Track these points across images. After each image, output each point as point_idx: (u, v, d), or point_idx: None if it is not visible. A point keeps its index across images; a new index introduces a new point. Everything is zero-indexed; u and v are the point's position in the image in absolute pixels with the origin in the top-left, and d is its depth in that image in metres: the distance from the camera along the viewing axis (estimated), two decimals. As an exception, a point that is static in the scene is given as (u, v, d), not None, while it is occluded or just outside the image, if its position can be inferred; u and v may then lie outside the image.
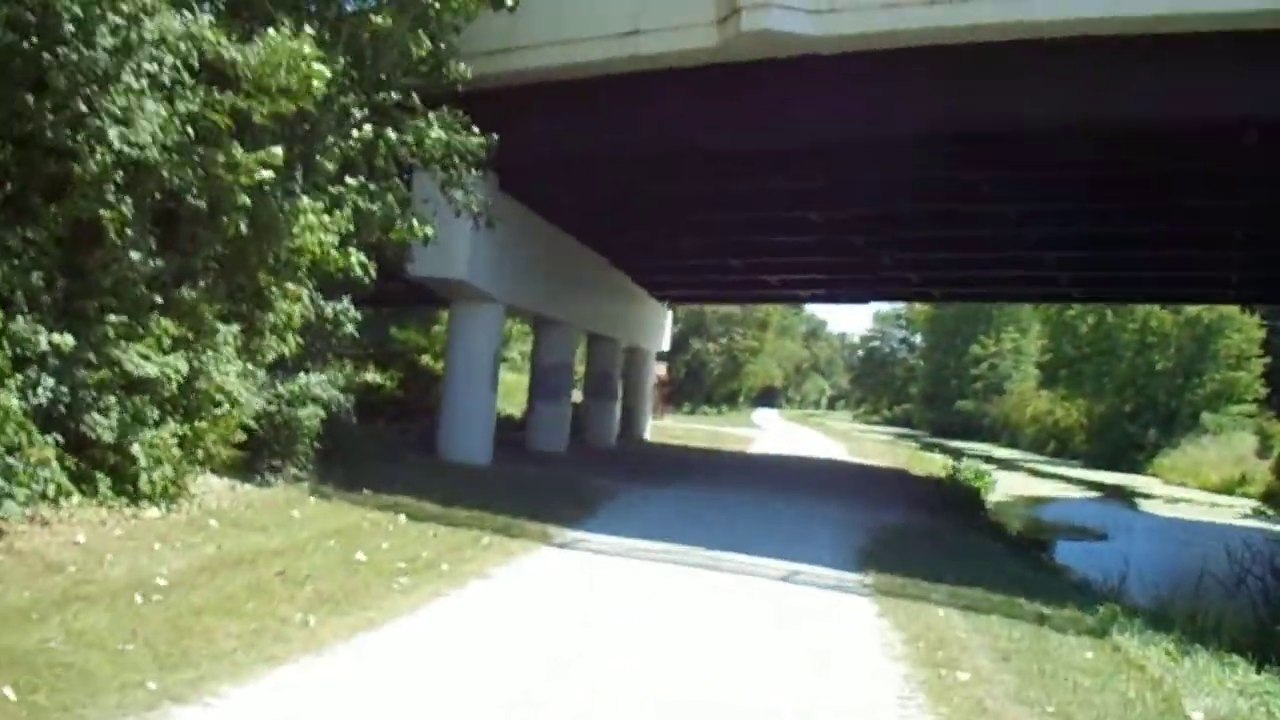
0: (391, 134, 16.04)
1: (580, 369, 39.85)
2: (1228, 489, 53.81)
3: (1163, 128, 17.64)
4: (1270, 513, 45.73)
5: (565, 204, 26.69)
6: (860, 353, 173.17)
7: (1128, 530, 35.12)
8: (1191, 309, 69.16)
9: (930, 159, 20.01)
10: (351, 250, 15.48)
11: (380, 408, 34.62)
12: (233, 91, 12.76)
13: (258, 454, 15.60)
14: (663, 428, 52.13)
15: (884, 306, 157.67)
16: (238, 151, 12.62)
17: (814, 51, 17.00)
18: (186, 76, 12.10)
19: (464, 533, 13.91)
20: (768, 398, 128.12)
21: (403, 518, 14.44)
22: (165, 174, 11.87)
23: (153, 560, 10.19)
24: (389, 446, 21.33)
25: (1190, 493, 53.57)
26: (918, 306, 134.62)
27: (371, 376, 43.01)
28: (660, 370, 58.16)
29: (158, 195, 12.30)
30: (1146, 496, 50.91)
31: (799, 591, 12.66)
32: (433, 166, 17.21)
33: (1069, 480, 57.56)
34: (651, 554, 14.23)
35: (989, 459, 56.86)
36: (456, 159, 17.14)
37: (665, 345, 45.98)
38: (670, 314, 46.09)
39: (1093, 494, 51.11)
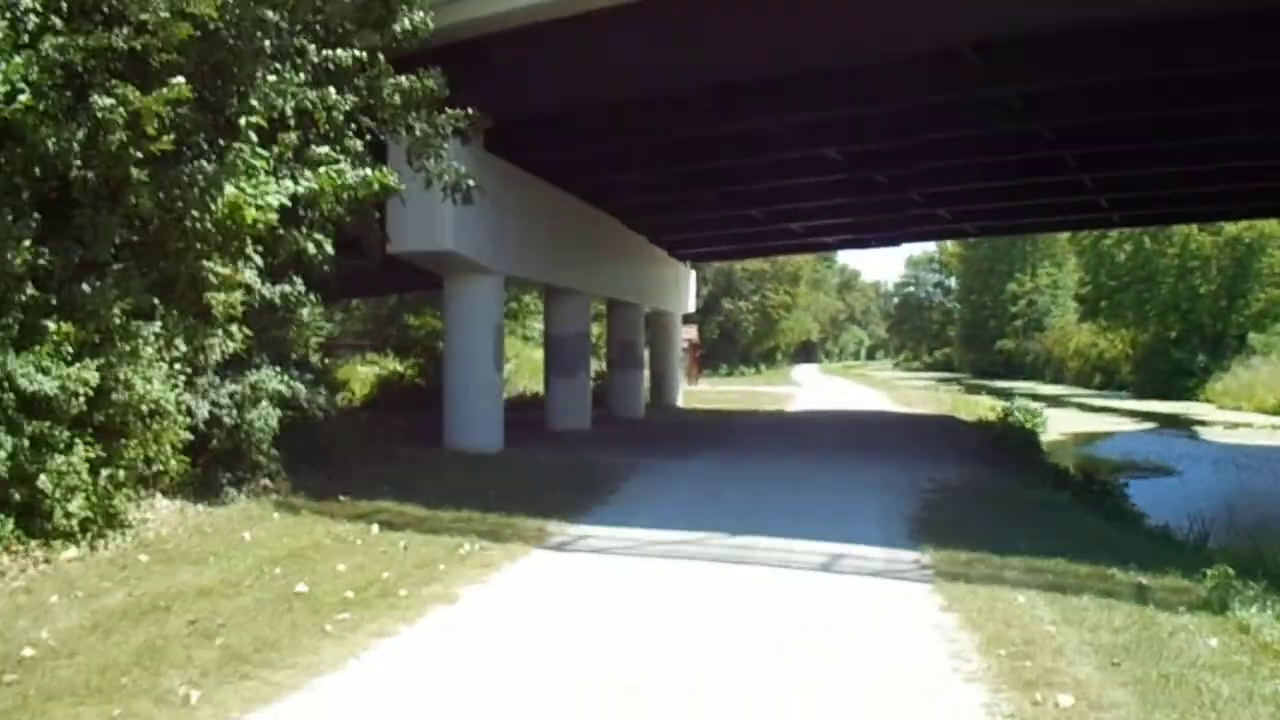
0: (333, 92, 13.88)
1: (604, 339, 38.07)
2: None
3: (1207, 16, 15.65)
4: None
5: (564, 162, 24.59)
6: (895, 300, 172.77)
7: (1194, 462, 33.24)
8: (1231, 228, 67.40)
9: (951, 77, 17.94)
10: (303, 227, 13.57)
11: (403, 397, 33.19)
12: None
13: (211, 468, 13.61)
14: (697, 393, 50.34)
15: (916, 250, 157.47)
16: (131, 93, 10.58)
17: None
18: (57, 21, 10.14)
19: (442, 541, 11.77)
20: (806, 353, 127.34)
21: (375, 528, 12.39)
22: (40, 138, 9.89)
23: (35, 620, 8.25)
24: (388, 441, 19.40)
25: (1248, 416, 51.92)
26: (950, 248, 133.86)
27: (392, 366, 41.86)
28: (690, 333, 56.57)
29: (37, 171, 10.30)
30: (1203, 424, 49.17)
31: (842, 584, 10.33)
32: (396, 128, 15.10)
33: (1120, 413, 56.02)
34: (664, 547, 11.99)
35: (1035, 396, 55.33)
36: (422, 118, 15.06)
37: (691, 306, 43.69)
38: (693, 274, 43.76)
39: (1148, 425, 49.33)
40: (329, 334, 55.83)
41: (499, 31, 18.01)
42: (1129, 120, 21.79)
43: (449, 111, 15.14)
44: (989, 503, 15.59)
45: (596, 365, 38.49)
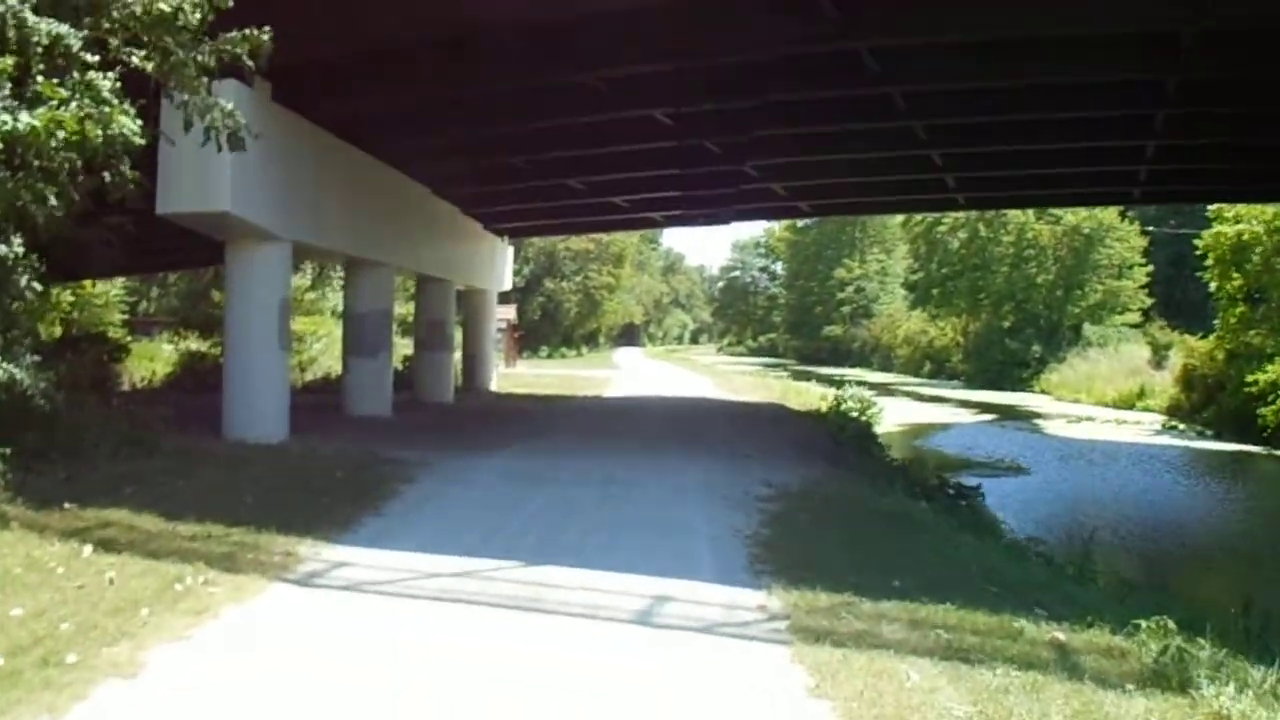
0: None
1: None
2: (1126, 403, 52.21)
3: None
4: (1182, 427, 43.41)
5: (363, 119, 22.05)
6: (720, 284, 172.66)
7: (1043, 459, 32.25)
8: (1070, 218, 67.96)
9: (803, 26, 16.03)
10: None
11: (204, 377, 30.68)
12: None
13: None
14: (513, 375, 48.32)
15: (743, 235, 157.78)
16: None
17: None
18: None
19: (163, 570, 9.12)
20: (628, 336, 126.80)
21: (89, 549, 9.62)
22: None
23: None
24: (155, 430, 16.65)
25: (1089, 409, 52.08)
26: (779, 232, 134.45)
27: (195, 345, 39.18)
28: (509, 313, 54.72)
29: None
30: (1044, 416, 48.72)
31: (665, 648, 7.81)
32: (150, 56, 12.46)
33: (955, 403, 56.03)
34: (439, 584, 9.44)
35: (864, 384, 54.53)
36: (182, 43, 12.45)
37: (507, 284, 40.99)
38: (510, 250, 41.13)
39: (986, 417, 48.92)
40: (144, 311, 53.45)
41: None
42: (985, 92, 20.33)
43: (222, 36, 12.56)
44: (840, 516, 13.34)
45: (407, 346, 36.14)
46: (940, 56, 18.17)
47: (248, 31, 12.34)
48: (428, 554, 10.58)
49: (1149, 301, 70.86)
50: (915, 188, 31.51)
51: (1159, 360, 56.78)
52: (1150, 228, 69.77)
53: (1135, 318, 70.03)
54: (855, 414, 32.40)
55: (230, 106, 13.07)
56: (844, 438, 25.69)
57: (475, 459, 17.91)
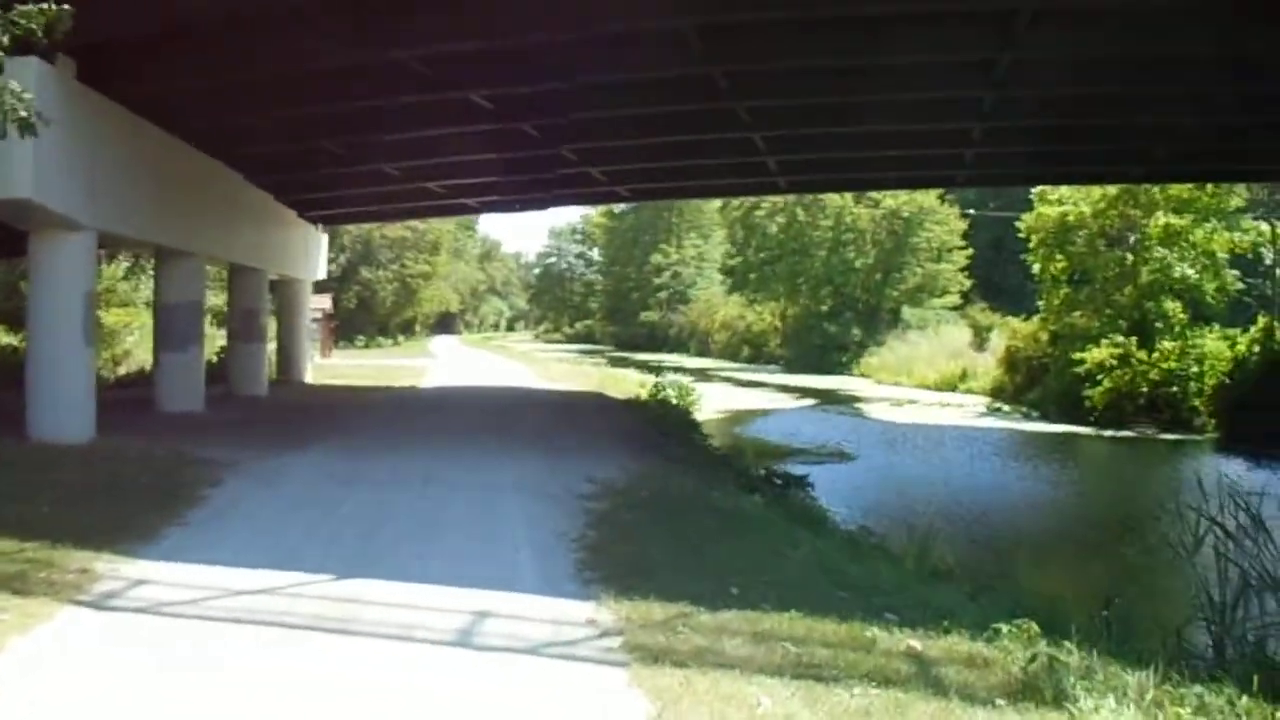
0: None
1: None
2: (948, 385, 53.19)
3: None
4: (1006, 409, 44.29)
5: (170, 100, 21.07)
6: (536, 271, 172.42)
7: (867, 444, 32.48)
8: (890, 202, 69.09)
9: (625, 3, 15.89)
10: None
11: (17, 373, 29.31)
12: None
13: None
14: (329, 366, 47.54)
15: (559, 222, 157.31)
16: None
17: None
18: None
19: None
20: (445, 324, 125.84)
21: None
22: None
23: None
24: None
25: (911, 392, 52.93)
26: (595, 218, 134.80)
27: (6, 339, 37.45)
28: (324, 303, 53.83)
29: None
30: (866, 400, 49.31)
31: (488, 674, 7.27)
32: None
33: (775, 388, 56.20)
34: (243, 602, 8.77)
35: (682, 370, 54.79)
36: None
37: (322, 273, 40.07)
38: (325, 238, 40.22)
39: (807, 402, 49.22)
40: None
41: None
42: (811, 68, 20.09)
43: (15, 8, 11.75)
44: (668, 514, 12.91)
45: (222, 337, 35.17)
46: (764, 35, 18.02)
47: (44, 5, 11.60)
48: (233, 568, 9.95)
49: (969, 284, 72.21)
50: (736, 171, 31.46)
51: (980, 342, 58.00)
52: (971, 210, 71.03)
53: (955, 300, 71.35)
54: (675, 401, 32.37)
55: (18, 88, 12.26)
56: (665, 427, 25.52)
57: (288, 457, 17.31)
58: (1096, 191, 42.70)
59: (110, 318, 34.84)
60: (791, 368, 71.22)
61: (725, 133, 24.67)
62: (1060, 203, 44.23)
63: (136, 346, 37.11)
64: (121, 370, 36.02)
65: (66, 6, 11.36)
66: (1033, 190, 47.21)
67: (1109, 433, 38.04)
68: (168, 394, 24.33)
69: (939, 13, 17.04)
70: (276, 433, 20.87)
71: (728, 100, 21.16)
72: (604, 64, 19.23)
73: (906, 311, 70.74)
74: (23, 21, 11.35)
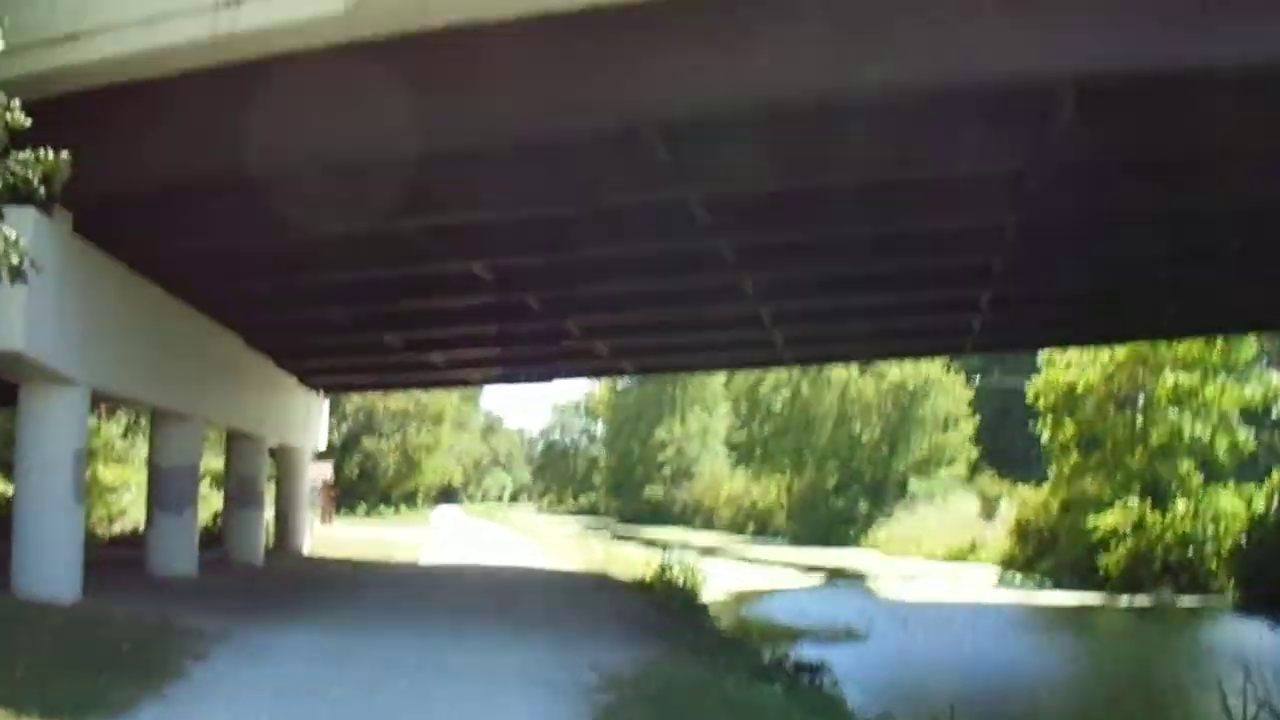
0: None
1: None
2: (958, 556, 52.31)
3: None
4: (1018, 579, 43.59)
5: (174, 261, 21.07)
6: (540, 446, 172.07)
7: (880, 624, 31.66)
8: (894, 374, 69.05)
9: (630, 171, 15.93)
10: None
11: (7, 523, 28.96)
12: None
13: None
14: (328, 536, 46.58)
15: (562, 399, 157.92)
16: None
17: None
18: None
19: None
20: (448, 495, 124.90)
21: None
22: None
23: None
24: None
25: (920, 565, 51.85)
26: (598, 394, 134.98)
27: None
28: (325, 472, 53.37)
29: None
30: (875, 577, 48.32)
31: None
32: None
33: (782, 564, 54.99)
34: None
35: (688, 546, 54.09)
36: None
37: (322, 442, 39.95)
38: (326, 406, 40.16)
39: (815, 579, 48.28)
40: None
41: (90, 89, 14.76)
42: (818, 241, 20.30)
43: (14, 155, 11.70)
44: (680, 711, 12.15)
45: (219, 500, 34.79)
46: (768, 207, 18.10)
47: (40, 153, 11.56)
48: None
49: (976, 453, 71.75)
50: (742, 345, 31.52)
51: (989, 512, 57.36)
52: (977, 375, 70.95)
53: (962, 470, 70.79)
54: (681, 582, 31.89)
55: (12, 234, 12.17)
56: (672, 610, 25.05)
57: (273, 636, 16.58)
58: (1105, 354, 42.65)
59: (107, 474, 34.51)
60: (798, 540, 70.38)
61: (730, 306, 24.74)
62: (1068, 367, 44.11)
63: (132, 505, 36.75)
64: (116, 528, 35.61)
65: (65, 155, 11.35)
66: (1042, 353, 47.08)
67: (1124, 600, 37.47)
68: (161, 557, 23.94)
69: (946, 178, 17.00)
70: (268, 604, 20.40)
71: (733, 272, 21.16)
72: (607, 237, 19.27)
73: (914, 483, 70.32)
74: (19, 170, 11.31)
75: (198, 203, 17.85)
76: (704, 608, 28.73)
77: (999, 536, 52.04)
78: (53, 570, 17.72)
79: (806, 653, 22.23)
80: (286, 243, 20.36)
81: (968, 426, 72.89)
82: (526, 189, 16.91)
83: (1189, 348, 40.80)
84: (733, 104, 13.56)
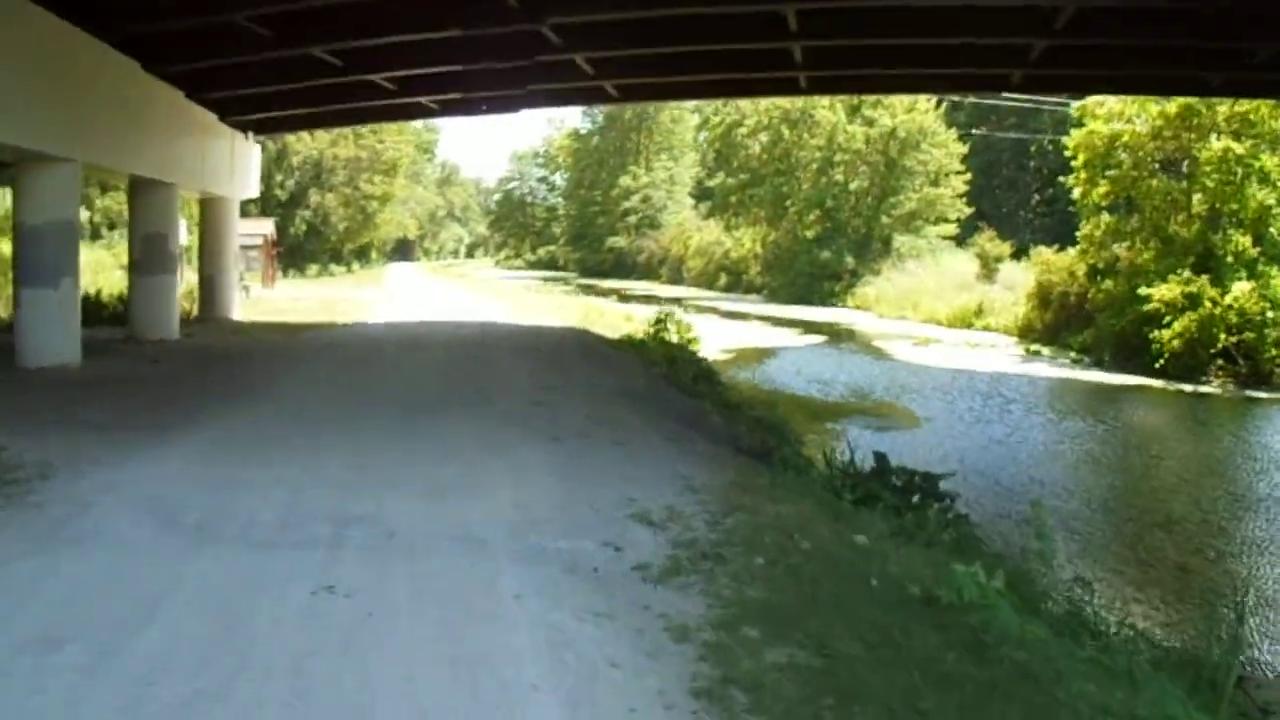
0: None
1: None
2: (963, 322, 48.46)
3: None
4: (1046, 352, 39.04)
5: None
6: (497, 197, 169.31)
7: (921, 398, 27.22)
8: (887, 120, 64.52)
9: None
10: None
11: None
12: None
13: None
14: (268, 299, 41.76)
15: (521, 146, 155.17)
16: None
17: None
18: None
19: None
20: (403, 251, 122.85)
21: None
22: None
23: None
24: None
25: (924, 329, 48.19)
26: (559, 141, 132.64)
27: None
28: (267, 229, 48.53)
29: None
30: (880, 337, 44.44)
31: None
32: None
33: (769, 320, 51.38)
34: None
35: (654, 298, 50.61)
36: None
37: (253, 190, 34.07)
38: (257, 149, 34.20)
39: (813, 338, 44.26)
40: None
41: None
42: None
43: None
44: (768, 552, 7.02)
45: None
46: None
47: None
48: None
49: (968, 211, 67.53)
50: (750, 62, 25.62)
51: (989, 274, 53.41)
52: (975, 130, 66.97)
53: (952, 229, 66.61)
54: (678, 343, 27.08)
55: None
56: (684, 382, 20.21)
57: (149, 452, 10.97)
58: (1153, 108, 37.31)
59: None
60: (776, 297, 67.20)
61: (745, 5, 20.14)
62: (1109, 120, 38.69)
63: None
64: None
65: None
66: (1074, 106, 42.22)
67: (1187, 387, 32.87)
68: (32, 343, 18.64)
69: None
70: (163, 403, 14.87)
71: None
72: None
73: (899, 239, 66.12)
74: None
75: None
76: (717, 379, 24.28)
77: (1005, 301, 48.17)
78: None
79: (867, 439, 17.53)
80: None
81: (959, 183, 68.18)
82: None
83: (1247, 107, 35.68)
84: None
